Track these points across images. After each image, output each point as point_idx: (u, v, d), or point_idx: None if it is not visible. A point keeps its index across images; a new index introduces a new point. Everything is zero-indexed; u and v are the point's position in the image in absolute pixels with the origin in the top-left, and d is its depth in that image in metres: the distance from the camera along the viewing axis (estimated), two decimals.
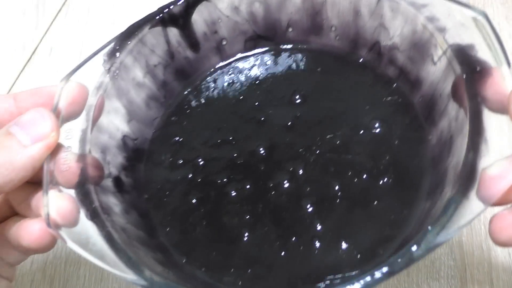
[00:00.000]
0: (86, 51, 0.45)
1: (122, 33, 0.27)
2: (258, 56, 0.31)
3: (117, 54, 0.27)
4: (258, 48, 0.31)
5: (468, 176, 0.21)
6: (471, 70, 0.23)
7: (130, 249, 0.23)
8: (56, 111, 0.25)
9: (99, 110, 0.27)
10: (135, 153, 0.29)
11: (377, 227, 0.26)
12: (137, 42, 0.28)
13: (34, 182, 0.24)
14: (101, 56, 0.27)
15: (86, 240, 0.22)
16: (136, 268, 0.21)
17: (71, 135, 0.25)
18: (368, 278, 0.19)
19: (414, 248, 0.20)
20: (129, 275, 0.21)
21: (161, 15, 0.28)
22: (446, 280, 0.37)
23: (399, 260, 0.19)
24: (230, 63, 0.31)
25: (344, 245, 0.25)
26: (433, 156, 0.26)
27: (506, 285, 0.33)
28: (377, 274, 0.19)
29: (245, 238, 0.26)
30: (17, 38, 0.44)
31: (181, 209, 0.28)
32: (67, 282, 0.36)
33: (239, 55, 0.31)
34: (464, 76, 0.23)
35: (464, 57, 0.23)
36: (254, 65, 0.31)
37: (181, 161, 0.29)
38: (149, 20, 0.28)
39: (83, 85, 0.26)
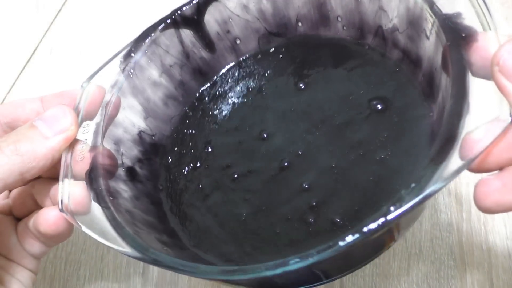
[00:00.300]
0: (86, 51, 0.45)
1: (138, 36, 0.30)
2: (269, 51, 0.32)
3: (132, 54, 0.29)
4: (271, 44, 0.32)
5: (449, 136, 0.21)
6: (456, 37, 0.23)
7: (132, 228, 0.24)
8: (77, 110, 0.27)
9: (116, 108, 0.29)
10: (152, 147, 0.31)
11: (372, 203, 0.26)
12: (150, 43, 0.30)
13: (55, 177, 0.27)
14: (119, 58, 0.29)
15: (91, 220, 0.24)
16: (133, 241, 0.23)
17: (88, 129, 0.28)
18: (342, 242, 0.19)
19: (389, 209, 0.19)
20: (126, 249, 0.23)
21: (172, 17, 0.29)
22: (446, 280, 0.38)
23: (373, 222, 0.19)
24: (244, 60, 0.33)
25: (338, 222, 0.26)
26: (432, 131, 0.26)
27: (506, 285, 0.33)
28: (349, 238, 0.20)
29: (245, 218, 0.28)
30: (17, 38, 0.44)
31: (190, 196, 0.30)
32: (67, 282, 0.37)
33: (253, 52, 0.32)
34: (449, 43, 0.23)
35: (450, 25, 0.24)
36: (265, 60, 0.32)
37: (191, 151, 0.31)
38: (161, 23, 0.30)
39: (102, 87, 0.29)
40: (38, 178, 0.29)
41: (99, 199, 0.25)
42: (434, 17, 0.24)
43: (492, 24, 0.22)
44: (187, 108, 0.32)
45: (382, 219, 0.19)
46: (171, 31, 0.30)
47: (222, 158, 0.30)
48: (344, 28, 0.31)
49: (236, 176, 0.29)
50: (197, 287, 0.38)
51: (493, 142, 0.19)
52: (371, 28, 0.30)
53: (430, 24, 0.25)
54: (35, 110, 0.28)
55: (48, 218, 0.26)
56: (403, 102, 0.28)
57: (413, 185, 0.20)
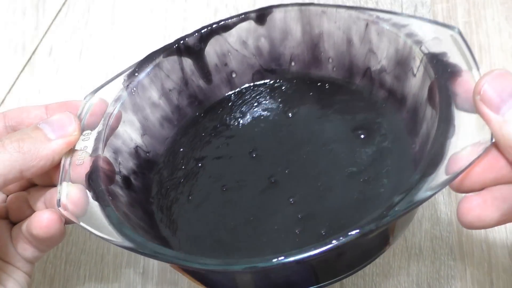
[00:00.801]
0: (86, 51, 0.45)
1: (143, 58, 0.32)
2: (263, 85, 0.35)
3: (136, 74, 0.32)
4: (265, 79, 0.35)
5: (437, 153, 0.23)
6: (443, 71, 0.26)
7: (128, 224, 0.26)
8: (79, 119, 0.29)
9: (117, 121, 0.31)
10: (147, 163, 0.33)
11: (357, 219, 0.26)
12: (154, 66, 0.32)
13: (51, 185, 0.29)
14: (123, 77, 0.32)
15: (90, 215, 0.26)
16: (131, 234, 0.25)
17: (89, 137, 0.30)
18: (336, 241, 0.22)
19: (382, 215, 0.22)
20: (123, 242, 0.24)
21: (176, 45, 0.32)
22: (446, 280, 0.38)
23: (370, 224, 0.22)
24: (239, 91, 0.35)
25: (324, 234, 0.28)
26: (415, 159, 0.29)
27: (506, 285, 0.34)
28: (349, 234, 0.22)
29: (233, 228, 0.29)
30: (17, 38, 0.45)
31: (181, 207, 0.31)
32: (67, 282, 0.37)
33: (247, 85, 0.35)
34: (436, 76, 0.26)
35: (437, 61, 0.27)
36: (258, 94, 0.35)
37: (183, 167, 0.33)
38: (166, 49, 0.32)
39: (104, 100, 0.31)
40: (34, 185, 0.31)
41: (98, 198, 0.27)
42: (422, 54, 0.28)
43: (474, 64, 0.25)
44: (181, 132, 0.34)
45: (376, 223, 0.22)
46: (174, 57, 0.32)
47: (213, 172, 0.32)
48: (334, 69, 0.33)
49: (225, 189, 0.31)
50: (197, 287, 0.38)
51: (476, 160, 0.22)
52: (360, 69, 0.33)
53: (418, 61, 0.28)
54: (39, 116, 0.30)
55: (41, 220, 0.28)
56: (387, 133, 0.31)
57: (404, 193, 0.22)
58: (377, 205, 0.27)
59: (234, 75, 0.35)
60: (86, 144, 0.29)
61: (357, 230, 0.22)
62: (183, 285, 0.37)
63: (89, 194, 0.27)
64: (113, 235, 0.25)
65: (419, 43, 0.28)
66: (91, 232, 0.25)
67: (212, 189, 0.31)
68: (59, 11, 0.46)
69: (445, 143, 0.23)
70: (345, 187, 0.29)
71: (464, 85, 0.24)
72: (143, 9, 0.47)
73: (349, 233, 0.22)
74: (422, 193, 0.22)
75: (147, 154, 0.33)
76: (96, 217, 0.26)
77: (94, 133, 0.30)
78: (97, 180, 0.28)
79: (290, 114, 0.33)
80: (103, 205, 0.26)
